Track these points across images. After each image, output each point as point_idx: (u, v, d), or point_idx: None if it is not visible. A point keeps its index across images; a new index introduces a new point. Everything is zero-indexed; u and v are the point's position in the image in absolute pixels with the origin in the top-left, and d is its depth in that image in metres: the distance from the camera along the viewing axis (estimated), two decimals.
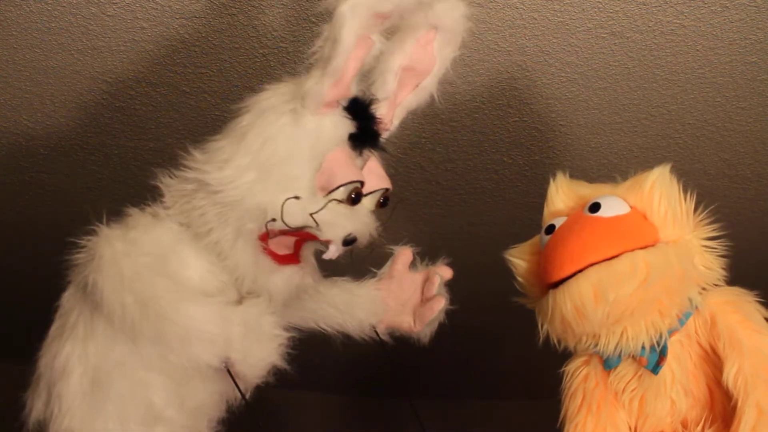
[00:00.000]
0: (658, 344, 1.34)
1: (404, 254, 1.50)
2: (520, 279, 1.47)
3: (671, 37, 1.69)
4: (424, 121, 1.95)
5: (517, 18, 1.64)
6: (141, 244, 1.29)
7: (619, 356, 1.38)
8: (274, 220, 1.23)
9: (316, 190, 1.25)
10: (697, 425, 1.37)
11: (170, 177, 1.36)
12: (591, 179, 2.17)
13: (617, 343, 1.35)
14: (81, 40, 1.69)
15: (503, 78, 1.81)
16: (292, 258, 1.33)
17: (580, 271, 1.30)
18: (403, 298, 1.51)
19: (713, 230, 1.40)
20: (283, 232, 1.26)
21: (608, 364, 1.41)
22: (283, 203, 1.22)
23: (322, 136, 1.25)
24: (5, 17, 1.62)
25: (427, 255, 2.60)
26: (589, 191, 1.46)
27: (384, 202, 1.32)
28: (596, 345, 1.38)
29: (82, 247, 1.35)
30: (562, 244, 1.35)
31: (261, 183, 1.24)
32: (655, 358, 1.35)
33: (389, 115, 1.34)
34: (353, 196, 1.26)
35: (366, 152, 1.32)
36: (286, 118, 1.25)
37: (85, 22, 1.64)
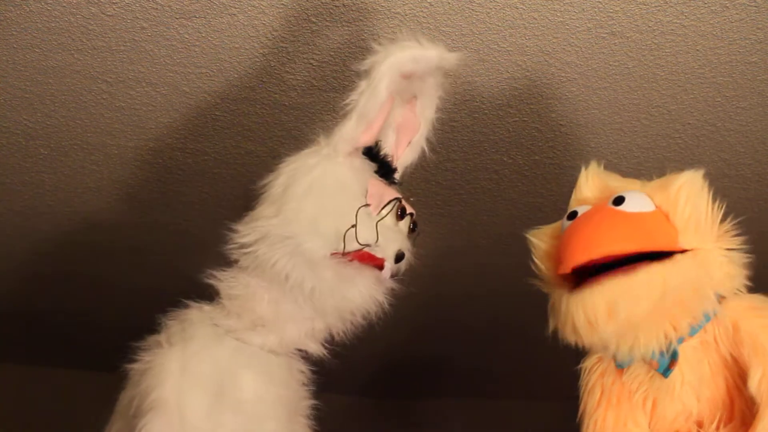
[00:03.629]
0: (668, 350, 1.34)
1: None
2: (536, 261, 1.45)
3: (671, 37, 1.69)
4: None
5: (517, 18, 1.64)
6: (198, 364, 1.37)
7: (632, 358, 1.37)
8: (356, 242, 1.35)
9: (371, 211, 1.39)
10: (711, 424, 1.36)
11: (222, 270, 1.46)
12: None
13: (629, 350, 1.34)
14: (81, 40, 1.69)
15: (503, 78, 1.81)
16: (373, 259, 1.40)
17: (596, 275, 1.29)
18: None
19: (738, 242, 1.38)
20: (349, 254, 1.36)
21: (620, 364, 1.41)
22: (357, 214, 1.35)
23: (358, 170, 1.42)
24: (5, 17, 1.62)
25: (427, 255, 2.60)
26: (618, 184, 1.44)
27: (413, 227, 1.47)
28: (607, 350, 1.37)
29: (140, 355, 1.41)
30: (579, 232, 1.34)
31: (325, 212, 1.36)
32: (666, 362, 1.35)
33: (399, 149, 1.54)
34: (399, 212, 1.42)
35: (391, 184, 1.49)
36: (323, 162, 1.40)
37: (85, 22, 1.64)
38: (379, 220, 1.38)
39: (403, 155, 1.54)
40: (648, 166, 2.10)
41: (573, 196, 1.46)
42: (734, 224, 1.40)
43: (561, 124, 1.96)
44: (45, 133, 2.00)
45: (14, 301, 2.92)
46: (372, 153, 1.46)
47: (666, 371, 1.35)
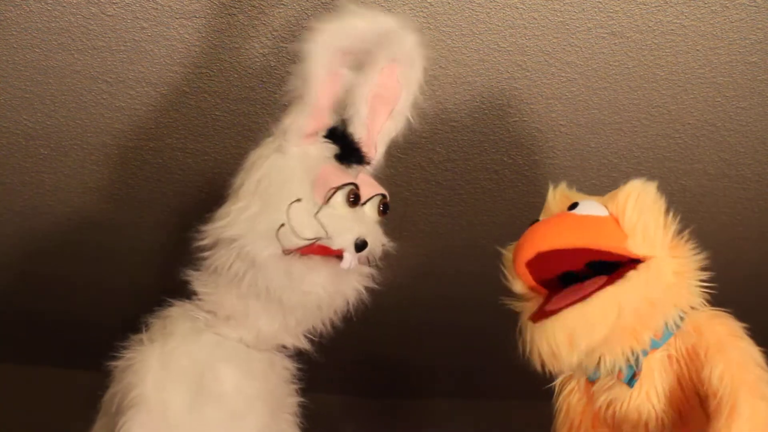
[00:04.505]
0: (633, 361, 1.38)
1: None
2: (507, 272, 1.50)
3: (671, 37, 1.69)
4: (424, 121, 1.95)
5: (517, 18, 1.64)
6: (178, 360, 1.36)
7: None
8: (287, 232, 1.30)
9: (318, 201, 1.33)
10: None
11: (195, 269, 1.45)
12: (591, 179, 2.18)
13: (596, 368, 1.39)
14: (81, 40, 1.69)
15: (503, 78, 1.81)
16: (329, 251, 1.37)
17: (556, 312, 1.34)
18: None
19: (694, 251, 1.41)
20: (300, 250, 1.33)
21: (590, 377, 1.45)
22: (288, 211, 1.30)
23: (309, 159, 1.36)
24: (5, 17, 1.62)
25: (427, 255, 2.61)
26: (579, 197, 1.50)
27: (384, 208, 1.41)
28: (576, 370, 1.43)
29: (122, 353, 1.41)
30: (532, 231, 1.41)
31: (265, 210, 1.32)
32: (631, 372, 1.38)
33: (370, 143, 1.44)
34: (351, 198, 1.35)
35: (354, 166, 1.41)
36: (274, 155, 1.36)
37: (85, 22, 1.64)
38: (317, 212, 1.32)
39: (384, 128, 1.45)
40: (648, 166, 2.10)
41: (542, 214, 1.53)
42: (690, 237, 1.43)
43: (561, 124, 1.96)
44: (45, 133, 2.00)
45: (14, 300, 2.92)
46: (336, 132, 1.40)
47: (631, 381, 1.38)
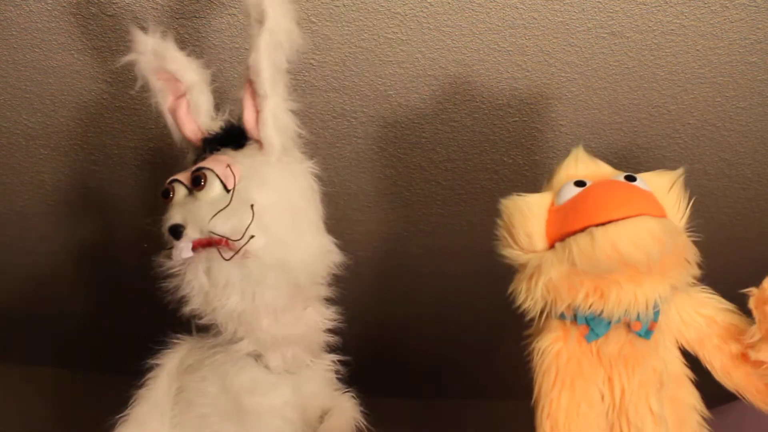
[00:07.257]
0: (659, 306, 1.39)
1: None
2: (524, 233, 1.44)
3: (671, 37, 1.69)
4: (424, 121, 1.95)
5: (517, 18, 1.64)
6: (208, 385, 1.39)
7: (608, 324, 1.39)
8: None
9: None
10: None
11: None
12: None
13: (623, 305, 1.36)
14: (81, 40, 1.69)
15: (503, 78, 1.81)
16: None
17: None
18: None
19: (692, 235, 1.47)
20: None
21: (595, 334, 1.41)
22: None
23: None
24: (5, 17, 1.62)
25: (427, 255, 2.60)
26: (608, 168, 1.51)
27: (195, 181, 1.35)
28: (598, 305, 1.38)
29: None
30: (615, 192, 1.38)
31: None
32: (647, 324, 1.38)
33: (251, 114, 1.38)
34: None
35: (225, 150, 1.40)
36: None
37: (85, 22, 1.64)
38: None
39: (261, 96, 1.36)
40: (648, 166, 2.10)
41: (563, 172, 1.51)
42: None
43: (561, 124, 1.96)
44: (45, 133, 2.00)
45: (14, 301, 2.92)
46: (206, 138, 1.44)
47: (647, 333, 1.39)
